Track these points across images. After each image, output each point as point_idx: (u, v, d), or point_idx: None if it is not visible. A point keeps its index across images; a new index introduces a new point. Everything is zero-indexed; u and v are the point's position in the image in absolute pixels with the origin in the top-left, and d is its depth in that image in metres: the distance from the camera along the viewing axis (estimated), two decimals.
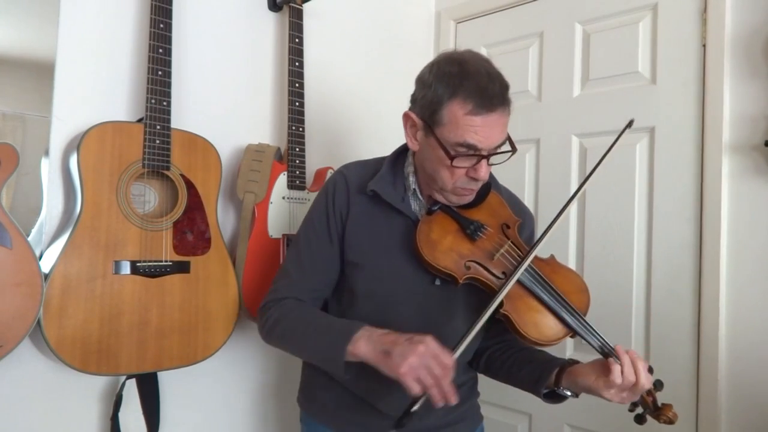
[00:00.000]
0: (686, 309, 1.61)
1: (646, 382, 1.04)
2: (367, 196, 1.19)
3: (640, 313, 1.71)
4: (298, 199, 1.61)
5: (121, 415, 1.41)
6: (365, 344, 1.03)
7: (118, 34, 1.46)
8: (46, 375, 1.36)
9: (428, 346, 0.97)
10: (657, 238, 1.68)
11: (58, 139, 1.37)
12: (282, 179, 1.59)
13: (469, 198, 1.17)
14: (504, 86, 1.08)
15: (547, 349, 1.17)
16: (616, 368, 1.03)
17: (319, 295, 1.25)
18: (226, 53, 1.67)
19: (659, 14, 1.71)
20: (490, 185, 1.22)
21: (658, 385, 1.10)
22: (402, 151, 1.26)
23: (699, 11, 1.63)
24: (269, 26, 1.76)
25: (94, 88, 1.42)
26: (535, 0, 1.99)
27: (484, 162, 1.08)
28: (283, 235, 1.57)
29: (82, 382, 1.40)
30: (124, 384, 1.41)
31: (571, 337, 1.12)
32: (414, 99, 1.15)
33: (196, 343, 1.43)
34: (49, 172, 1.35)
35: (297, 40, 1.63)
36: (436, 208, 1.17)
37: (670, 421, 1.08)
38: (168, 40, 1.40)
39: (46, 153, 1.35)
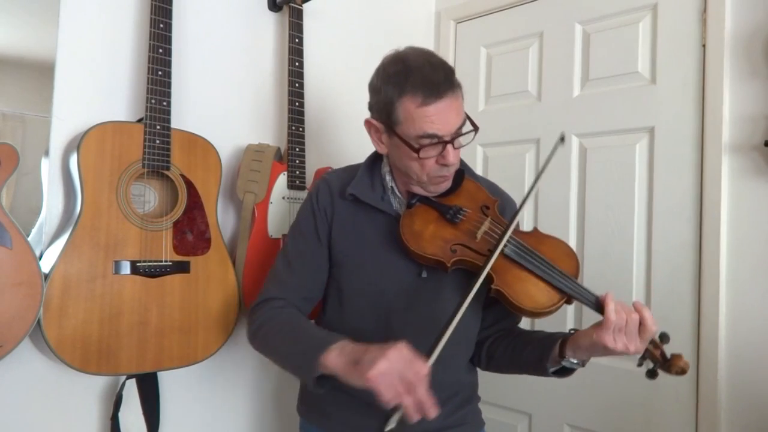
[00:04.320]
0: (686, 309, 1.61)
1: (649, 318, 1.03)
2: (348, 200, 1.23)
3: None
4: (298, 199, 1.61)
5: (121, 415, 1.41)
6: (337, 356, 1.00)
7: (118, 34, 1.46)
8: (46, 375, 1.36)
9: (400, 351, 0.94)
10: (657, 237, 1.68)
11: (58, 139, 1.37)
12: (282, 179, 1.59)
13: (446, 185, 1.21)
14: (448, 72, 1.12)
15: (546, 320, 1.16)
16: (609, 308, 1.03)
17: (309, 295, 1.26)
18: (226, 53, 1.67)
19: (659, 14, 1.71)
20: (464, 173, 1.26)
21: (663, 337, 1.10)
22: (377, 155, 1.29)
23: (699, 11, 1.63)
24: (269, 26, 1.76)
25: (94, 88, 1.42)
26: (535, 0, 1.99)
27: (449, 147, 1.11)
28: (283, 235, 1.57)
29: (82, 382, 1.40)
30: (124, 384, 1.41)
31: (568, 303, 1.12)
32: (370, 106, 1.20)
33: (196, 343, 1.43)
34: (49, 172, 1.35)
35: (297, 40, 1.63)
36: (414, 201, 1.20)
37: (683, 371, 1.06)
38: (168, 40, 1.40)
39: (46, 153, 1.35)
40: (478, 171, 2.09)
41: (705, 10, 1.61)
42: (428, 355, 0.96)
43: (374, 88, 1.17)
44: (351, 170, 1.30)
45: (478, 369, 1.36)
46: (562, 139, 1.19)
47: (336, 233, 1.24)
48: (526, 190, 1.97)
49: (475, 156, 2.10)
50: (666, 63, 1.69)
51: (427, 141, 1.10)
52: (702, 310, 1.58)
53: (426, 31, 2.25)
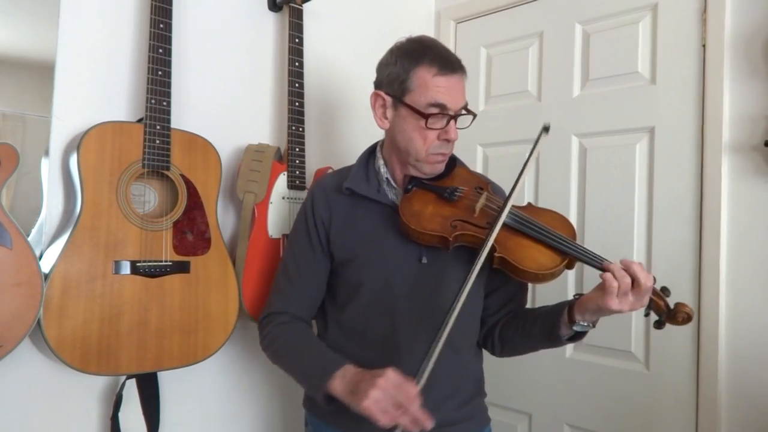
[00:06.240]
0: None
1: (643, 276, 1.04)
2: (345, 195, 1.28)
3: (640, 312, 1.70)
4: (298, 199, 1.60)
5: (121, 415, 1.41)
6: (339, 384, 1.10)
7: (118, 34, 1.46)
8: (46, 375, 1.36)
9: (388, 378, 1.02)
10: (657, 238, 1.68)
11: (58, 139, 1.36)
12: (282, 179, 1.59)
13: (441, 166, 1.26)
14: (458, 57, 1.22)
15: (549, 289, 1.20)
16: (606, 276, 1.05)
17: (311, 303, 1.33)
18: (226, 53, 1.67)
19: (659, 14, 1.71)
20: (456, 160, 1.32)
21: (665, 290, 1.12)
22: (371, 151, 1.35)
23: (699, 11, 1.63)
24: (269, 26, 1.76)
25: (94, 88, 1.42)
26: (535, 0, 1.99)
27: (453, 123, 1.19)
28: (283, 235, 1.57)
29: (82, 382, 1.40)
30: (124, 384, 1.41)
31: (568, 267, 1.16)
32: (379, 81, 1.26)
33: (196, 343, 1.43)
34: (49, 172, 1.35)
35: (297, 40, 1.63)
36: (411, 186, 1.25)
37: (688, 317, 1.09)
38: (168, 40, 1.40)
39: (46, 153, 1.35)
40: (478, 171, 2.09)
41: (705, 10, 1.61)
42: (416, 376, 1.03)
43: (386, 62, 1.24)
44: (343, 171, 1.36)
45: (482, 366, 1.36)
46: (545, 128, 1.19)
47: (335, 232, 1.28)
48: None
49: (476, 156, 2.10)
50: (666, 63, 1.69)
51: (435, 110, 1.16)
52: (702, 309, 1.58)
53: (426, 31, 2.24)
